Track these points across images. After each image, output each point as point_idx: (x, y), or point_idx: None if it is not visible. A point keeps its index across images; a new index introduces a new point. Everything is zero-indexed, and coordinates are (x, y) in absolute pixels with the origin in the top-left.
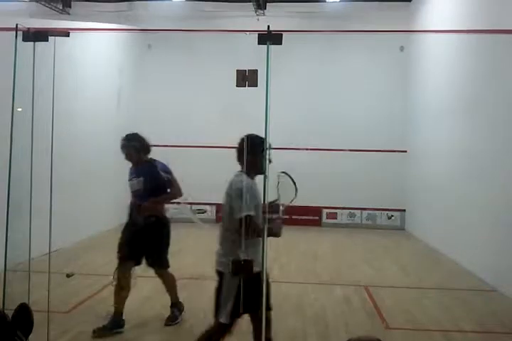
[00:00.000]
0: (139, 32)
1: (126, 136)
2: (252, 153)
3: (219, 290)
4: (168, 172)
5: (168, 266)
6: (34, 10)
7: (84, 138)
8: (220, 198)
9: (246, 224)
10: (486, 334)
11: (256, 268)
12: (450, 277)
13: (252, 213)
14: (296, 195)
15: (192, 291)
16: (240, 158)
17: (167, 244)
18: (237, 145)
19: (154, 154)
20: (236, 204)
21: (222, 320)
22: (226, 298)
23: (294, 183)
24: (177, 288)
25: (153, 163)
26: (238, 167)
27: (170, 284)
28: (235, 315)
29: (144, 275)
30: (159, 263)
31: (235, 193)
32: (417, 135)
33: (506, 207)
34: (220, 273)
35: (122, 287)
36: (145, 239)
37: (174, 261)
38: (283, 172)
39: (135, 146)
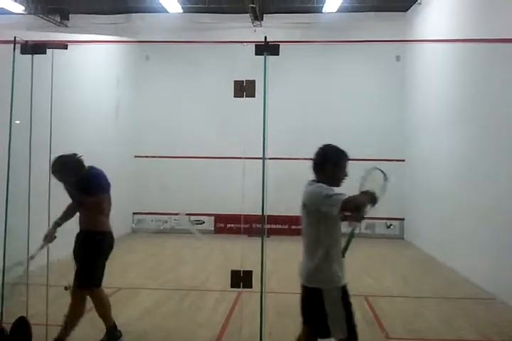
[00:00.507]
0: (137, 44)
1: (54, 166)
2: (333, 163)
3: (320, 309)
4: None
5: (83, 287)
6: (32, 22)
7: (82, 148)
8: (217, 209)
9: (349, 208)
10: None
11: (345, 281)
12: (449, 285)
13: (345, 197)
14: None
15: (192, 302)
16: (316, 167)
17: (94, 261)
18: (315, 154)
19: (152, 165)
20: (326, 202)
21: (340, 336)
22: (335, 314)
23: (384, 175)
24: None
25: (91, 175)
26: (235, 177)
27: (97, 308)
28: (351, 328)
29: (144, 287)
30: (77, 280)
31: (319, 195)
32: (415, 144)
33: (505, 215)
34: (313, 290)
35: (99, 303)
36: (74, 253)
37: (173, 272)
38: (377, 168)
39: (70, 173)
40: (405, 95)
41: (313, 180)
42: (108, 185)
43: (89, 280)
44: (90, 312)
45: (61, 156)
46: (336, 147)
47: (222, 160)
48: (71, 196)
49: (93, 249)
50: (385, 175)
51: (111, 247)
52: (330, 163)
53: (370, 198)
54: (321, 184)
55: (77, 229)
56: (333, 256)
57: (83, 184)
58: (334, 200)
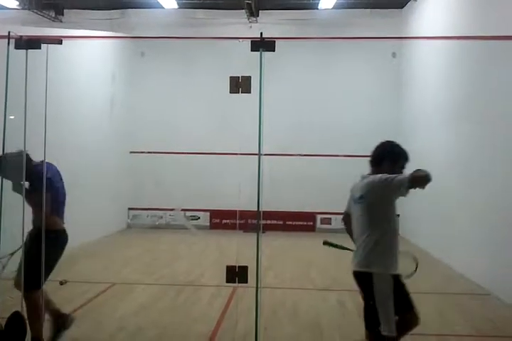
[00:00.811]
0: (132, 39)
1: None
2: (392, 160)
3: (368, 295)
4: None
5: (26, 289)
6: (26, 18)
7: (77, 145)
8: (213, 205)
9: (418, 182)
10: (481, 338)
11: (397, 270)
12: (445, 281)
13: (407, 175)
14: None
15: (187, 297)
16: (374, 161)
17: (33, 262)
18: (375, 148)
19: (147, 161)
20: (393, 185)
21: (387, 332)
22: (384, 304)
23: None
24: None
25: (34, 171)
26: (230, 173)
27: (28, 312)
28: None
29: (139, 283)
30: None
31: (381, 182)
32: (410, 140)
33: (501, 212)
34: (363, 274)
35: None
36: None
37: (168, 267)
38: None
39: (16, 171)
40: (401, 92)
41: (368, 174)
42: (53, 182)
43: (28, 282)
44: (87, 308)
45: (6, 154)
46: (396, 144)
47: (218, 156)
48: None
49: (46, 247)
50: (416, 268)
51: (63, 245)
52: (388, 159)
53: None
54: (376, 175)
55: (71, 230)
56: (387, 242)
57: (28, 181)
58: (400, 180)
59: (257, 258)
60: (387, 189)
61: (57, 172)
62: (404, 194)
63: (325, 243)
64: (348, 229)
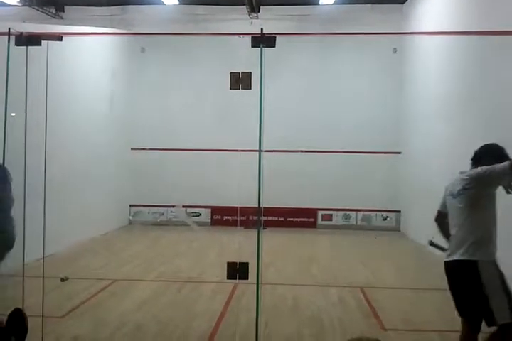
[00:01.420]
0: (132, 35)
1: None
2: (493, 160)
3: (475, 285)
4: None
5: None
6: (27, 14)
7: (78, 141)
8: (214, 201)
9: None
10: (481, 334)
11: (493, 257)
12: (444, 277)
13: (507, 162)
14: None
15: (188, 294)
16: (475, 159)
17: None
18: (480, 147)
19: (149, 157)
20: (496, 172)
21: (506, 319)
22: (495, 290)
23: None
24: None
25: None
26: (231, 169)
27: None
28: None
29: (141, 279)
30: None
31: (485, 172)
32: (412, 136)
33: (501, 207)
34: (465, 263)
35: None
36: None
37: (169, 263)
38: None
39: None
40: (402, 87)
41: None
42: None
43: None
44: (89, 305)
45: None
46: (501, 148)
47: (219, 153)
48: None
49: None
50: None
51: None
52: (490, 157)
53: None
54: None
55: (72, 227)
56: (489, 230)
57: None
58: (501, 168)
59: (258, 255)
60: (489, 178)
61: None
62: (505, 182)
63: (431, 244)
64: (444, 228)
